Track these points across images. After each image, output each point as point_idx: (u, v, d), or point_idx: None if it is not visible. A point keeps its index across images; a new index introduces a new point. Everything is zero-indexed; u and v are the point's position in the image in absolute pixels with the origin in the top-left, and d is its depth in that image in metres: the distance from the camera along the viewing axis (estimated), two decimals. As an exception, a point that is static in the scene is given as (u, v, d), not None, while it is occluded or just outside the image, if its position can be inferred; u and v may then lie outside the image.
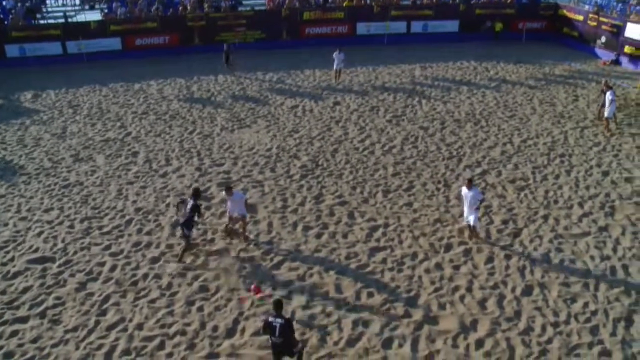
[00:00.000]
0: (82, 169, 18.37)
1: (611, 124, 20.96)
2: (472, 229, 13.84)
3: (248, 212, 14.49)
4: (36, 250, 13.93)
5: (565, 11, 35.60)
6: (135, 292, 12.38)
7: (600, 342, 10.91)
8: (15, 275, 12.98)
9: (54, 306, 11.98)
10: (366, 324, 11.42)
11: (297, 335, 10.14)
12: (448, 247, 13.95)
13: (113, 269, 13.19)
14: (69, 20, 32.73)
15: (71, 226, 15.00)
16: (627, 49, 30.11)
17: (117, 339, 11.06)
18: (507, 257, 13.51)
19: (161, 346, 10.91)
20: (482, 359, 10.55)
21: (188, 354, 10.72)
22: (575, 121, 22.02)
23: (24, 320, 11.60)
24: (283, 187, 16.94)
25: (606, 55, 31.38)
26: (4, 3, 33.52)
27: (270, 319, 9.54)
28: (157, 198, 16.41)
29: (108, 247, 14.04)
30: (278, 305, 9.62)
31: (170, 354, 10.71)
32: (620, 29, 30.68)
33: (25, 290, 12.48)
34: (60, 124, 22.32)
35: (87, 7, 35.75)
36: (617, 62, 30.50)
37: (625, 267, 13.10)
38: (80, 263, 13.41)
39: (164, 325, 11.44)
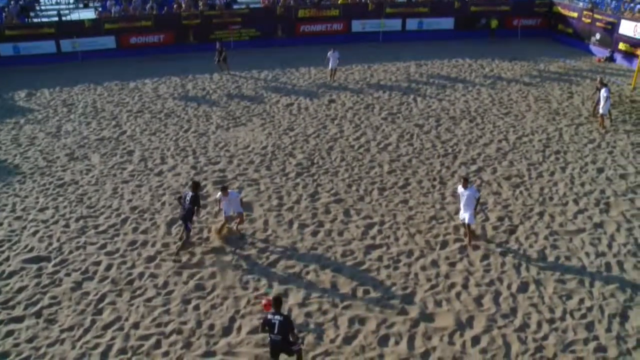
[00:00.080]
0: (77, 168, 18.31)
1: (606, 121, 21.04)
2: (467, 227, 13.85)
3: (244, 211, 14.53)
4: (31, 250, 13.89)
5: (559, 8, 35.69)
6: (131, 291, 12.36)
7: (596, 338, 10.96)
8: (11, 274, 12.94)
9: (50, 305, 11.95)
10: (362, 321, 11.43)
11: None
12: (444, 245, 13.98)
13: (109, 268, 13.16)
14: (63, 18, 32.60)
15: (66, 225, 14.96)
16: (621, 45, 30.21)
17: (113, 338, 11.05)
18: (503, 254, 13.55)
19: (157, 345, 10.90)
20: (478, 355, 10.58)
21: (184, 352, 10.71)
22: (570, 118, 22.08)
23: (19, 320, 11.56)
24: (279, 185, 16.93)
25: (601, 52, 31.46)
26: (-3, 1, 33.40)
27: (269, 316, 9.50)
28: (153, 197, 16.38)
29: (104, 246, 14.00)
30: (277, 302, 9.59)
31: (166, 353, 10.70)
32: (614, 26, 30.76)
33: (21, 289, 12.44)
34: (55, 123, 22.24)
35: (81, 5, 35.59)
36: (611, 59, 30.59)
37: (620, 264, 13.15)
38: (75, 262, 13.37)
39: (160, 324, 11.43)
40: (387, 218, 15.13)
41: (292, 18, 34.12)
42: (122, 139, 20.62)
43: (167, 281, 12.69)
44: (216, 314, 11.67)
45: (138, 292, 12.35)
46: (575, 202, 15.86)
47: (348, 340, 10.96)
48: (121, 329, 11.30)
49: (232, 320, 11.51)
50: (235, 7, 35.28)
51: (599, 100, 21.04)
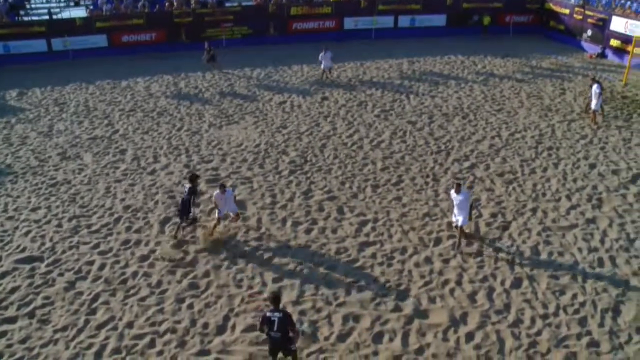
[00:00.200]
0: (69, 167, 18.22)
1: (598, 117, 21.13)
2: (460, 230, 13.65)
3: (237, 209, 14.53)
4: (24, 250, 13.81)
5: (551, 5, 35.78)
6: (125, 291, 12.33)
7: (589, 332, 11.02)
8: (3, 275, 12.86)
9: (43, 306, 11.89)
10: (357, 318, 11.45)
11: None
12: (437, 241, 14.01)
13: (102, 267, 13.11)
14: (54, 16, 32.38)
15: (59, 225, 14.89)
16: (612, 42, 30.35)
17: (107, 338, 11.01)
18: (496, 250, 13.59)
19: (152, 344, 10.87)
20: (472, 351, 10.61)
21: (179, 351, 10.69)
22: (562, 114, 22.17)
23: (12, 320, 11.50)
24: (272, 183, 16.91)
25: (592, 49, 31.58)
26: (-14, 0, 33.11)
27: (268, 313, 9.38)
28: (146, 195, 16.32)
29: (97, 246, 13.95)
30: (275, 299, 9.52)
31: (160, 352, 10.68)
32: (605, 22, 30.91)
33: (14, 290, 12.37)
34: (47, 122, 22.11)
35: (72, 3, 35.37)
36: (603, 55, 30.71)
37: (612, 259, 13.23)
38: (68, 262, 13.32)
39: (154, 323, 11.40)
40: (381, 215, 15.14)
41: (284, 16, 34.05)
42: (114, 138, 20.53)
43: (160, 280, 12.66)
44: (210, 313, 11.65)
45: (132, 291, 12.32)
46: (568, 198, 15.94)
47: (342, 337, 10.97)
48: (115, 328, 11.26)
49: (227, 318, 11.49)
50: (227, 5, 35.17)
51: (591, 96, 21.13)
